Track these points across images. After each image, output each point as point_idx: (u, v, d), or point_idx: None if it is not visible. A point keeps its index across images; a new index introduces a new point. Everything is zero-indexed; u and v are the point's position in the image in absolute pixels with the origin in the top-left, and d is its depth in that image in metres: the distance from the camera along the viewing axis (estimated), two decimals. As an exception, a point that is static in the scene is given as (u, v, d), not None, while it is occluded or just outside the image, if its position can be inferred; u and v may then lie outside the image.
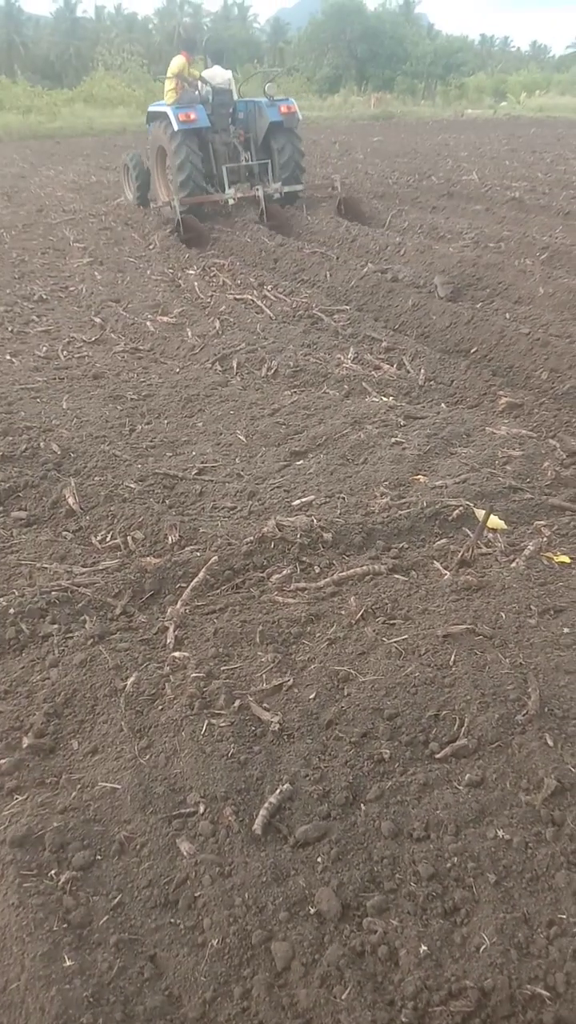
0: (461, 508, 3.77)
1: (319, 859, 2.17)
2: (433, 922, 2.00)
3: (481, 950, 1.92)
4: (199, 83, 11.26)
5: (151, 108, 11.99)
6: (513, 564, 3.41)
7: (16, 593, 3.33)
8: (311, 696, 2.74)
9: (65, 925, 2.01)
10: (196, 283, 8.66)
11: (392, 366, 6.00)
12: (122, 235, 11.53)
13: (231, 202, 11.23)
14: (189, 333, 7.06)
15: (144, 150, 13.09)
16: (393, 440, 4.66)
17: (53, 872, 2.15)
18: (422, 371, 5.83)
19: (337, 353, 6.30)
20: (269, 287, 8.27)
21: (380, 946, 1.95)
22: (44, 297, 8.52)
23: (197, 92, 11.16)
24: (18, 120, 34.69)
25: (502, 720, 2.51)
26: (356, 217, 11.36)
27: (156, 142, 11.82)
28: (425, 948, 1.93)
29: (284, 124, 11.18)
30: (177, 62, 11.38)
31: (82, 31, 76.46)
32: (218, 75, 11.27)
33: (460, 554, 3.45)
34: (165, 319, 7.47)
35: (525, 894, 2.04)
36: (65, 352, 6.78)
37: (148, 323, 7.40)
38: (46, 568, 3.55)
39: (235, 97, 11.51)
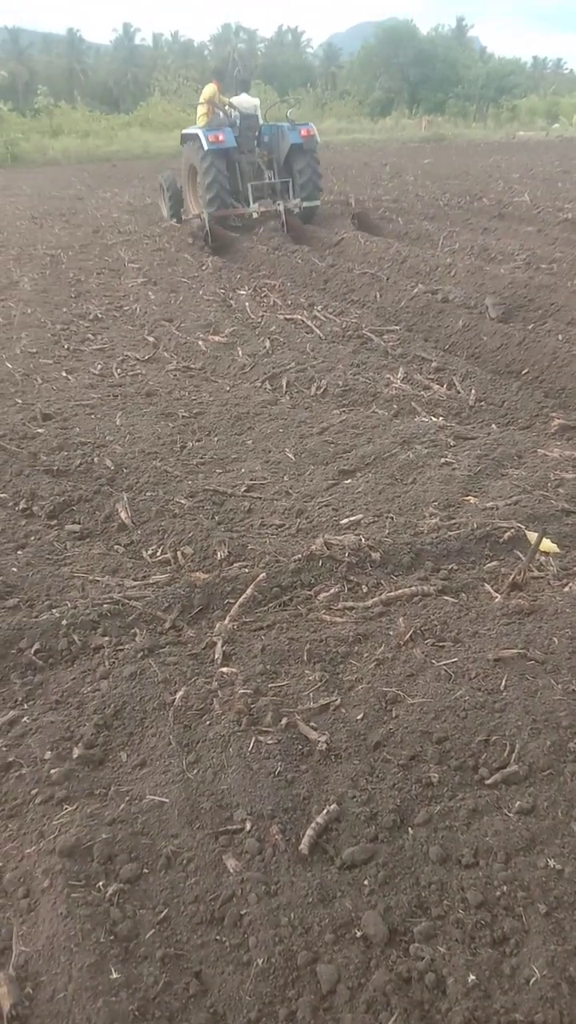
0: (512, 530, 3.73)
1: (366, 882, 2.14)
2: (482, 951, 1.97)
3: (531, 983, 1.87)
4: (228, 108, 12.44)
5: (184, 131, 13.15)
6: (566, 588, 3.36)
7: (69, 605, 3.38)
8: (359, 717, 2.73)
9: (112, 937, 2.02)
10: (247, 303, 8.77)
11: (442, 386, 5.98)
12: (176, 256, 11.74)
13: (255, 215, 12.23)
14: (240, 352, 7.14)
15: (177, 170, 14.22)
16: (443, 460, 4.64)
17: (101, 883, 2.17)
18: (472, 391, 5.80)
19: (386, 373, 6.31)
20: (319, 307, 8.33)
21: (427, 973, 1.92)
22: (99, 316, 8.71)
23: (226, 116, 12.30)
24: (77, 144, 35.76)
25: (554, 747, 2.47)
26: (367, 229, 12.38)
27: (188, 161, 12.98)
28: (473, 978, 1.90)
29: (304, 146, 12.18)
30: (208, 89, 12.62)
31: (140, 58, 78.57)
32: (245, 102, 12.60)
33: (511, 577, 3.41)
34: (216, 338, 7.57)
35: (577, 927, 1.99)
36: (119, 370, 6.92)
37: (200, 342, 7.51)
38: (98, 581, 3.61)
39: (260, 121, 12.71)
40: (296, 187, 12.58)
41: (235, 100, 12.62)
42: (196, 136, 12.07)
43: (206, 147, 11.70)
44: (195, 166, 12.43)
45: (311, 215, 12.86)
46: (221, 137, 11.69)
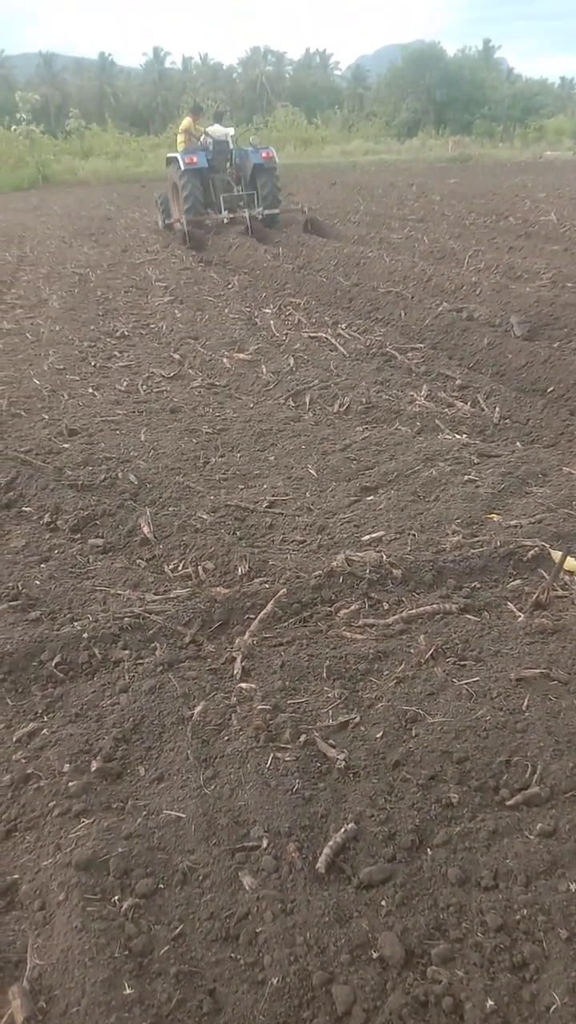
0: (536, 549, 3.70)
1: (383, 902, 2.12)
2: (500, 976, 1.93)
3: (551, 1010, 1.83)
4: (204, 136, 15.52)
5: (168, 155, 16.40)
6: (590, 608, 3.31)
7: (90, 618, 3.40)
8: (378, 735, 2.71)
9: (126, 952, 2.01)
10: (272, 321, 8.83)
11: (466, 404, 5.96)
12: (202, 275, 11.87)
13: (225, 221, 15.05)
14: (264, 369, 7.18)
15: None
16: (466, 478, 4.62)
17: (116, 898, 2.16)
18: (497, 409, 5.78)
19: (410, 390, 6.30)
20: (343, 325, 8.36)
21: (445, 997, 1.89)
22: (126, 333, 8.81)
23: (200, 142, 15.39)
24: (107, 165, 36.36)
25: (577, 769, 2.43)
26: (317, 232, 15.10)
27: (171, 179, 16.02)
28: (492, 1003, 1.86)
29: (264, 166, 15.12)
30: (185, 122, 16.38)
31: (169, 80, 79.93)
32: (218, 131, 15.73)
33: (535, 596, 3.38)
34: (241, 356, 7.62)
35: (599, 954, 1.94)
36: (144, 386, 6.98)
37: (225, 359, 7.57)
38: (120, 595, 3.63)
39: (231, 146, 15.66)
40: (259, 198, 15.32)
41: (210, 129, 15.72)
42: (176, 159, 15.18)
43: (183, 168, 14.63)
44: (176, 183, 15.27)
45: (273, 221, 15.49)
46: (195, 159, 14.63)
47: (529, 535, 3.84)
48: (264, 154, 15.17)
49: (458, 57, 71.06)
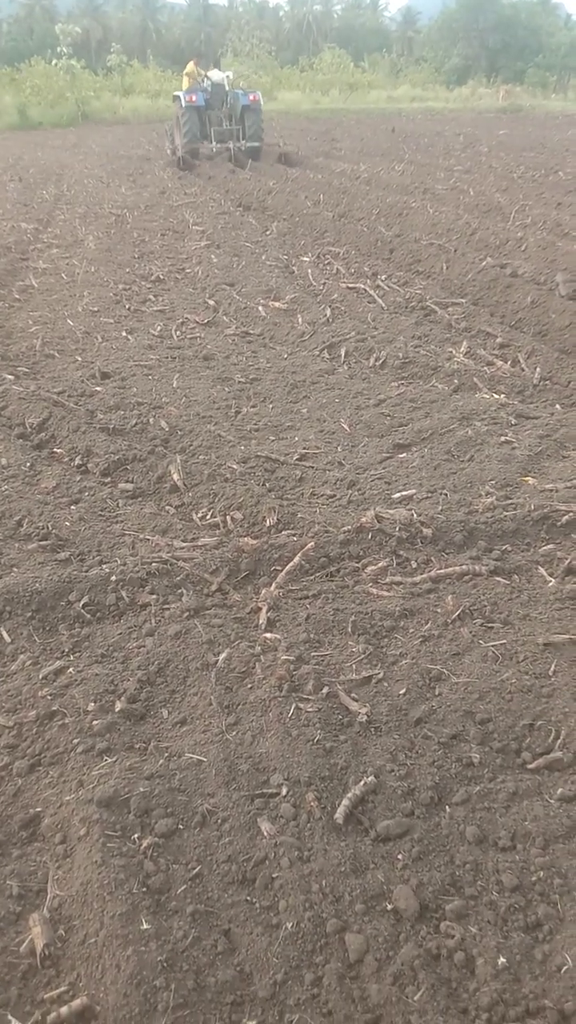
0: (571, 514, 3.63)
1: (399, 856, 2.13)
2: (514, 935, 1.94)
3: (563, 971, 1.84)
4: (204, 79, 18.96)
5: (174, 93, 20.04)
6: (623, 576, 3.26)
7: (119, 562, 3.41)
8: (401, 691, 2.70)
9: (144, 889, 2.05)
10: (310, 270, 8.65)
11: (506, 363, 5.83)
12: (240, 220, 11.64)
13: (214, 150, 18.40)
14: (300, 320, 7.06)
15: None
16: (502, 439, 4.53)
17: (136, 836, 2.20)
18: (537, 370, 5.64)
19: (449, 347, 6.17)
20: (383, 277, 8.18)
21: (457, 952, 1.90)
22: (161, 277, 8.70)
23: (200, 84, 18.70)
24: (147, 104, 35.54)
25: (601, 736, 2.40)
26: (288, 164, 17.77)
27: (175, 114, 19.32)
28: (504, 960, 1.87)
29: (251, 107, 18.45)
30: (189, 66, 19.63)
31: (214, 18, 77.52)
32: (216, 75, 19.40)
33: (568, 561, 3.32)
34: (277, 304, 7.49)
35: (615, 919, 1.94)
36: (178, 332, 6.91)
37: (260, 308, 7.45)
38: (148, 540, 3.63)
39: (227, 88, 18.95)
40: (245, 133, 18.53)
41: (210, 73, 19.30)
42: (179, 97, 18.60)
43: (184, 105, 18.00)
44: (178, 117, 18.59)
45: (256, 153, 18.59)
46: (194, 98, 17.92)
47: (565, 500, 3.77)
48: (251, 97, 18.59)
49: (515, 2, 68.04)
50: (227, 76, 19.57)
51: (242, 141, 18.51)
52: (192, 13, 79.40)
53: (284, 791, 2.30)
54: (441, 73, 56.62)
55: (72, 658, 2.96)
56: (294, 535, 3.62)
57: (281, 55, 58.55)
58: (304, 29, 77.25)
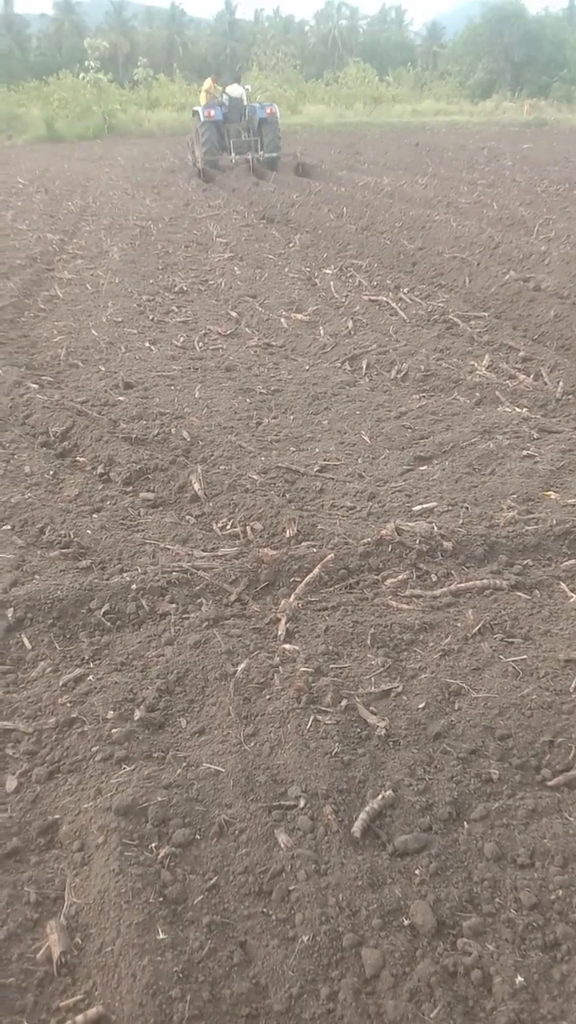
0: (593, 529, 3.60)
1: (417, 871, 2.12)
2: (531, 954, 1.92)
3: (582, 992, 1.82)
4: (222, 94, 20.06)
5: (193, 108, 21.12)
6: None
7: (139, 570, 3.43)
8: (420, 705, 2.69)
9: (161, 899, 2.05)
10: (332, 283, 8.69)
11: (529, 376, 5.81)
12: (263, 232, 11.72)
13: (233, 162, 19.17)
14: (322, 331, 7.08)
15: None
16: (524, 453, 4.51)
17: (153, 845, 2.20)
18: (560, 384, 5.61)
19: (471, 360, 6.16)
20: (405, 290, 8.19)
21: (474, 969, 1.89)
22: (185, 289, 8.77)
23: (218, 99, 19.81)
24: (173, 117, 35.91)
25: (623, 755, 2.38)
26: (304, 175, 18.51)
27: (195, 127, 20.06)
28: (521, 979, 1.85)
29: (268, 120, 19.53)
30: (207, 82, 20.97)
31: (239, 32, 78.29)
32: (234, 90, 20.18)
33: (589, 577, 3.30)
34: (299, 316, 7.53)
35: None
36: (201, 343, 6.95)
37: (282, 320, 7.48)
38: (169, 549, 3.65)
39: (245, 103, 19.91)
40: (263, 144, 19.51)
41: (228, 88, 20.18)
42: (198, 112, 19.66)
43: (202, 119, 19.10)
44: (197, 131, 19.46)
45: (273, 164, 19.64)
46: (212, 113, 19.11)
47: (587, 515, 3.74)
48: (268, 110, 19.74)
49: (540, 16, 68.08)
50: (246, 90, 20.61)
51: (260, 152, 19.49)
52: (218, 28, 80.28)
53: (302, 803, 2.29)
54: (465, 87, 56.75)
55: (92, 666, 2.98)
56: (314, 546, 3.63)
57: (306, 69, 58.94)
58: (329, 44, 77.77)
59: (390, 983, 1.85)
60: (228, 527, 3.94)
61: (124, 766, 2.48)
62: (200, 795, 2.35)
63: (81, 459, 4.70)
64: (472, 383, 5.67)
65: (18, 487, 4.27)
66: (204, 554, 3.63)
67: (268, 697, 2.75)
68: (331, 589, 3.40)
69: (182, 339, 7.05)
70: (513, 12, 62.38)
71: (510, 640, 3.00)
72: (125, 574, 3.41)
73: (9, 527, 3.89)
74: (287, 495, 4.24)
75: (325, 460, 4.66)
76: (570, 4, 74.95)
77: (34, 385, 5.71)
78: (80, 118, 33.71)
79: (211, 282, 9.03)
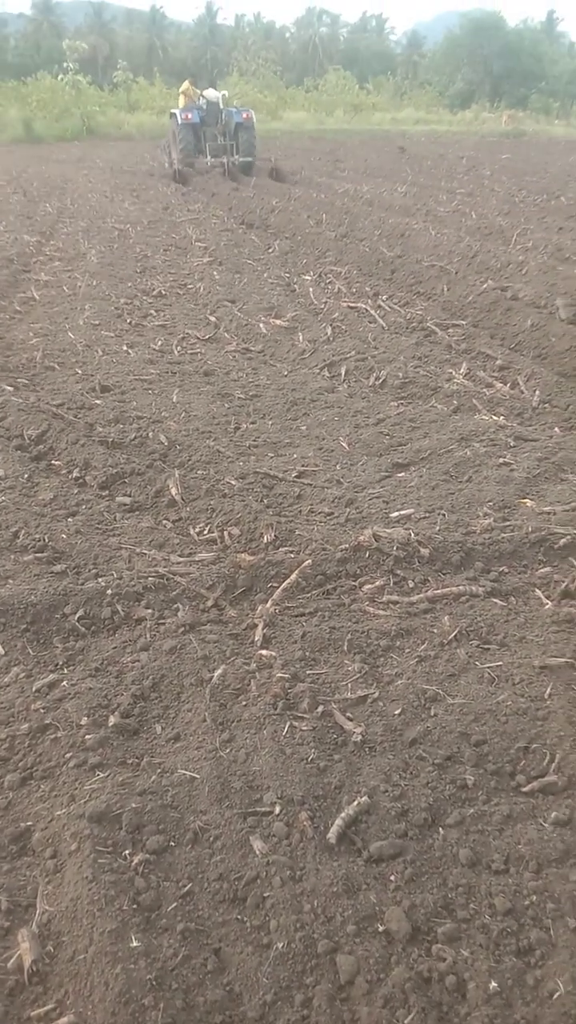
0: (569, 537, 3.64)
1: (392, 877, 2.12)
2: (506, 959, 1.93)
3: (555, 997, 1.83)
4: (200, 98, 20.57)
5: (171, 111, 21.44)
6: (619, 600, 3.26)
7: (115, 575, 3.41)
8: (396, 712, 2.69)
9: (135, 906, 2.03)
10: (311, 289, 8.71)
11: (505, 385, 5.86)
12: (243, 237, 11.73)
13: (209, 164, 19.34)
14: (300, 337, 7.10)
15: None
16: (501, 460, 4.55)
17: (127, 852, 2.18)
18: (537, 393, 5.67)
19: (448, 368, 6.21)
20: (384, 297, 8.24)
21: (448, 975, 1.89)
22: (163, 293, 8.74)
23: (195, 103, 20.38)
24: (152, 120, 35.86)
25: (596, 761, 2.40)
26: (278, 179, 18.77)
27: (171, 130, 20.72)
28: (495, 985, 1.86)
29: (244, 124, 19.87)
30: (184, 85, 21.79)
31: (220, 37, 78.38)
32: (211, 94, 20.63)
33: (564, 585, 3.33)
34: (278, 322, 7.54)
35: (607, 946, 1.93)
36: (179, 347, 6.94)
37: (261, 325, 7.49)
38: (145, 554, 3.63)
39: (221, 106, 20.16)
40: (238, 148, 19.76)
41: (206, 92, 20.67)
42: (175, 115, 20.09)
43: (180, 122, 19.48)
44: (174, 133, 19.98)
45: (248, 168, 19.81)
46: (189, 116, 19.54)
47: (563, 523, 3.78)
48: (244, 115, 20.07)
49: (519, 28, 69.05)
50: (222, 95, 20.85)
51: (236, 156, 19.64)
52: (198, 32, 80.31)
53: (277, 810, 2.29)
54: (445, 97, 57.30)
55: (66, 671, 2.95)
56: (291, 552, 3.63)
57: (287, 75, 59.14)
58: (310, 50, 78.16)
59: (364, 989, 1.85)
60: (205, 532, 3.93)
61: (98, 772, 2.46)
62: (175, 801, 2.33)
63: (56, 462, 4.67)
64: (450, 391, 5.71)
65: (-7, 490, 4.22)
66: (181, 559, 3.61)
67: (244, 703, 2.74)
68: (308, 595, 3.40)
69: (160, 343, 7.03)
70: (492, 23, 63.19)
71: (486, 647, 3.02)
72: (100, 579, 3.39)
73: (-17, 530, 3.85)
74: (265, 500, 4.23)
75: (303, 466, 4.67)
76: (548, 17, 75.99)
77: (9, 388, 5.66)
78: (59, 119, 33.57)
79: (190, 286, 9.02)
